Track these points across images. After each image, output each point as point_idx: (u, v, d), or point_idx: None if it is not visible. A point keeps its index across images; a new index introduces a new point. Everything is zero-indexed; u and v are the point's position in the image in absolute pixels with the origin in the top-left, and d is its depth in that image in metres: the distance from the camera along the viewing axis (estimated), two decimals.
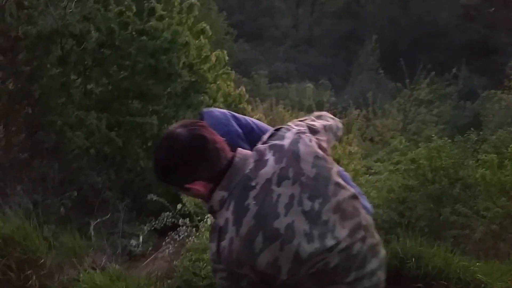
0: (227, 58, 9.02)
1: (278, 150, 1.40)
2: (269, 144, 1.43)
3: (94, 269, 2.44)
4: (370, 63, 25.44)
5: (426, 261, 2.76)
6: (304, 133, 1.48)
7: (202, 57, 8.54)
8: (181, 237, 6.20)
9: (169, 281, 4.94)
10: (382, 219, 7.85)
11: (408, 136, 15.98)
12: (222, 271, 1.31)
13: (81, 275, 2.15)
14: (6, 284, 2.05)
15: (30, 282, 2.05)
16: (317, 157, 1.42)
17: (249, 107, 9.54)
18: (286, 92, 20.39)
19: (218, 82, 8.77)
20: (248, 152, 1.44)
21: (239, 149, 1.45)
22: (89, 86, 8.25)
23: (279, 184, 1.34)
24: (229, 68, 9.37)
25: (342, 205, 1.41)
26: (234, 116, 1.77)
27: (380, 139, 15.65)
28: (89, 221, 6.18)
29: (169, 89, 8.53)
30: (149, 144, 8.62)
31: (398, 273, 2.47)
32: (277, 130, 1.52)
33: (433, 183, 7.41)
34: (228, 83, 9.17)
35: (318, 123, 1.60)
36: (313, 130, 1.52)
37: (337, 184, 1.43)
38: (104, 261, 2.53)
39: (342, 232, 1.37)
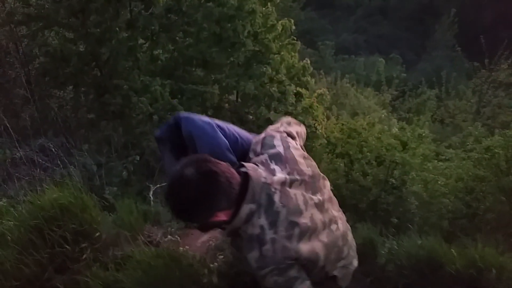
0: (293, 27, 8.66)
1: (277, 158, 1.60)
2: (267, 154, 1.61)
3: (149, 243, 2.40)
4: (447, 39, 23.62)
5: (510, 273, 2.38)
6: (287, 138, 1.71)
7: (268, 25, 8.25)
8: None
9: (221, 256, 4.96)
10: (447, 209, 7.40)
11: (481, 120, 14.88)
12: (271, 271, 1.44)
13: (135, 252, 2.10)
14: (60, 256, 2.05)
15: (84, 255, 2.03)
16: (305, 157, 1.68)
17: (313, 81, 9.17)
18: (353, 65, 19.57)
19: (282, 53, 8.48)
20: (253, 165, 1.56)
21: (246, 164, 1.54)
22: (155, 52, 8.30)
23: (290, 186, 1.55)
24: (295, 38, 9.01)
25: (330, 194, 1.75)
26: (218, 126, 1.75)
27: (451, 122, 14.70)
28: (149, 186, 6.32)
29: (232, 59, 8.40)
30: (209, 113, 8.63)
31: (474, 285, 2.18)
32: (263, 138, 1.70)
33: (508, 175, 6.80)
34: (293, 54, 8.83)
35: (292, 129, 1.82)
36: (291, 136, 1.76)
37: (323, 178, 1.75)
38: (159, 235, 2.47)
39: (336, 216, 1.73)
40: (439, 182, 7.10)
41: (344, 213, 1.96)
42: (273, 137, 1.72)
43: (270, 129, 1.86)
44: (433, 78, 16.39)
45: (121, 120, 6.99)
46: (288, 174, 1.58)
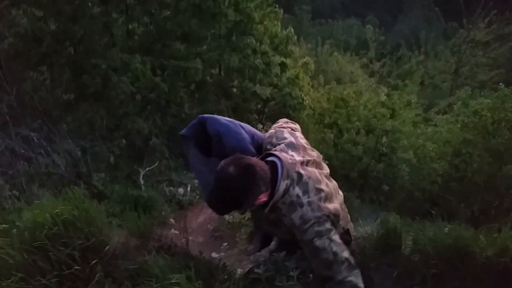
0: None
1: (292, 146, 1.96)
2: (283, 144, 1.97)
3: (160, 248, 2.25)
4: None
5: None
6: (292, 131, 2.08)
7: None
8: None
9: (225, 244, 4.87)
10: (437, 173, 7.48)
11: (460, 80, 15.00)
12: (313, 224, 1.77)
13: (148, 261, 1.94)
14: (70, 278, 1.86)
15: (96, 275, 1.85)
16: (308, 144, 2.05)
17: (297, 49, 8.95)
18: (330, 29, 19.26)
19: (265, 23, 8.20)
20: (278, 152, 1.91)
21: (274, 152, 1.90)
22: (131, 26, 7.90)
23: (307, 165, 1.93)
24: (276, 6, 8.70)
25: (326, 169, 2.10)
26: (240, 124, 2.03)
27: (430, 83, 14.80)
28: (138, 169, 6.13)
29: (213, 30, 8.09)
30: (192, 88, 8.35)
31: (510, 273, 2.09)
32: (275, 132, 2.05)
33: (494, 137, 6.87)
34: (275, 22, 8.55)
35: (292, 126, 2.18)
36: (293, 130, 2.12)
37: (323, 159, 2.14)
38: (170, 239, 2.32)
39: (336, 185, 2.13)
40: (429, 148, 7.13)
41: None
42: (282, 131, 2.05)
43: (276, 126, 2.19)
44: (411, 39, 16.35)
45: (102, 102, 6.67)
46: (303, 157, 1.95)
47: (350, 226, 2.16)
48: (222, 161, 1.79)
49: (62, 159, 5.33)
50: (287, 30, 8.43)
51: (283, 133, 2.02)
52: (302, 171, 1.87)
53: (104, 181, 5.48)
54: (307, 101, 7.99)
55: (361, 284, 1.79)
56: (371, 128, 7.24)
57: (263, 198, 1.79)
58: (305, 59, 8.83)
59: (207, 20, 7.80)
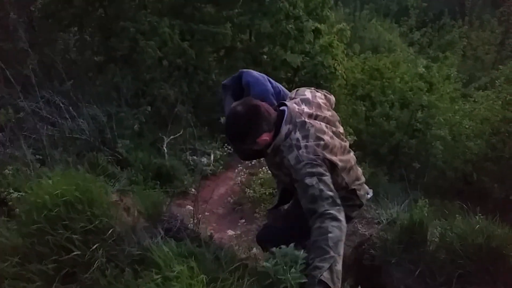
0: None
1: (306, 102, 2.09)
2: (299, 98, 2.10)
3: (168, 231, 2.15)
4: None
5: None
6: (315, 92, 2.18)
7: None
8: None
9: (242, 220, 4.80)
10: (471, 152, 7.10)
11: (505, 52, 14.02)
12: (306, 165, 1.90)
13: (152, 247, 1.84)
14: (69, 263, 1.77)
15: (95, 257, 1.76)
16: (325, 104, 2.15)
17: (333, 15, 8.50)
18: None
19: None
20: (290, 102, 2.06)
21: (286, 102, 2.07)
22: None
23: (316, 118, 2.06)
24: None
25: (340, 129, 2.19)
26: (268, 79, 2.28)
27: (472, 54, 13.90)
28: (163, 137, 6.07)
29: None
30: (221, 54, 8.12)
31: None
32: (297, 90, 2.20)
33: None
34: None
35: (323, 92, 2.26)
36: (322, 96, 2.19)
37: (339, 121, 2.21)
38: (178, 225, 2.21)
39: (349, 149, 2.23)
40: (465, 126, 6.72)
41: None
42: (304, 89, 2.22)
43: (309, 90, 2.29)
44: (456, 7, 15.33)
45: (129, 66, 6.58)
46: (314, 111, 2.09)
47: (360, 188, 2.21)
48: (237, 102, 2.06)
49: (87, 125, 5.32)
50: None
51: (304, 91, 2.21)
52: (307, 119, 2.04)
53: (128, 148, 5.46)
54: (340, 71, 7.63)
55: (341, 218, 1.85)
56: (406, 102, 6.86)
57: (265, 137, 1.99)
58: (341, 25, 8.37)
59: None
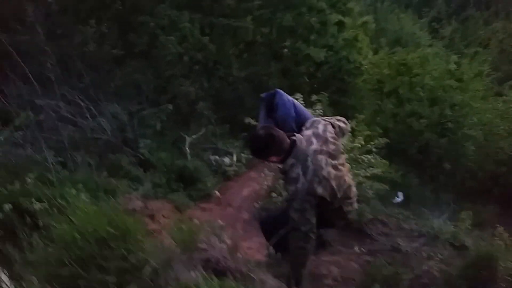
0: None
1: (317, 136, 2.58)
2: (311, 131, 2.61)
3: (207, 263, 1.94)
4: None
5: None
6: (328, 125, 2.67)
7: None
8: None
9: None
10: (504, 153, 6.81)
11: None
12: (296, 201, 2.46)
13: (192, 285, 1.64)
14: None
15: None
16: (334, 138, 2.62)
17: (357, 7, 8.19)
18: None
19: None
20: (301, 136, 2.57)
21: (297, 134, 2.58)
22: None
23: (320, 153, 2.53)
24: None
25: (344, 161, 2.69)
26: (294, 104, 2.87)
27: (496, 46, 13.40)
28: (184, 136, 5.89)
29: None
30: (240, 47, 7.84)
31: None
32: (313, 121, 2.69)
33: None
34: None
35: (337, 123, 2.77)
36: (333, 126, 2.71)
37: (341, 153, 2.68)
38: (216, 254, 2.00)
39: (344, 175, 2.65)
40: (498, 125, 6.41)
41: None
42: (319, 122, 2.69)
43: (322, 118, 2.85)
44: None
45: (149, 62, 6.38)
46: (320, 146, 2.56)
47: (348, 205, 2.71)
48: (263, 125, 2.81)
49: (108, 124, 5.14)
50: None
51: (318, 124, 2.69)
52: (309, 157, 2.52)
53: (150, 148, 5.29)
54: (365, 66, 7.34)
55: (306, 246, 2.53)
56: (436, 99, 6.55)
57: (274, 159, 2.62)
58: (364, 18, 8.07)
59: None
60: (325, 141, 2.58)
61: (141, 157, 5.15)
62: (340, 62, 7.48)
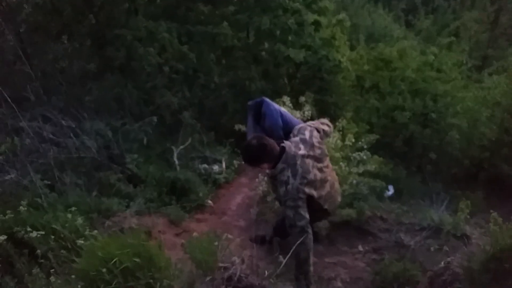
0: None
1: (304, 141, 2.97)
2: (299, 137, 3.01)
3: (229, 281, 1.89)
4: None
5: None
6: (314, 131, 3.07)
7: None
8: None
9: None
10: (488, 139, 6.94)
11: (499, 30, 13.89)
12: (288, 199, 2.85)
13: None
14: None
15: None
16: (319, 142, 3.05)
17: (332, 5, 8.22)
18: None
19: None
20: (289, 143, 2.95)
21: (286, 142, 2.96)
22: None
23: (307, 158, 2.92)
24: None
25: (328, 163, 3.15)
26: (281, 113, 3.21)
27: (465, 34, 13.73)
28: (171, 147, 5.79)
29: None
30: (218, 53, 7.76)
31: None
32: (300, 128, 3.09)
33: None
34: None
35: (321, 126, 3.20)
36: (317, 130, 3.11)
37: (326, 155, 3.11)
38: (237, 272, 1.93)
39: (327, 176, 3.11)
40: (481, 112, 6.55)
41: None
42: (306, 128, 3.07)
43: (307, 124, 3.21)
44: None
45: (128, 75, 6.26)
46: (307, 151, 2.93)
47: (326, 204, 3.07)
48: (253, 134, 3.10)
49: (92, 141, 5.01)
50: None
51: (305, 130, 3.06)
52: (298, 161, 2.87)
53: (137, 162, 5.17)
54: (345, 63, 7.38)
55: (305, 240, 2.82)
56: (418, 91, 6.64)
57: (266, 166, 2.95)
58: (340, 16, 8.11)
59: None
60: (312, 146, 2.97)
61: (129, 172, 5.03)
62: (320, 61, 7.49)
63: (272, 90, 7.68)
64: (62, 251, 2.77)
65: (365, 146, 4.67)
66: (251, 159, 2.96)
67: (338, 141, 4.61)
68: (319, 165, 2.97)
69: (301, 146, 2.93)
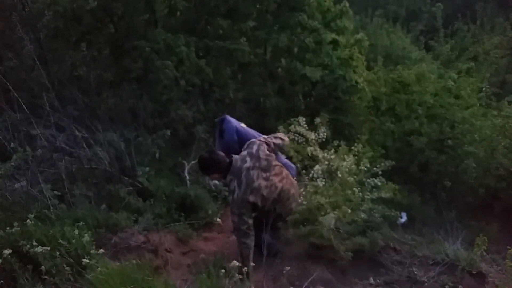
0: None
1: (251, 155, 3.61)
2: (247, 152, 3.65)
3: None
4: None
5: None
6: (262, 144, 3.69)
7: None
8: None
9: None
10: (505, 169, 6.79)
11: None
12: (235, 208, 3.56)
13: None
14: None
15: None
16: (266, 154, 3.65)
17: (351, 25, 8.19)
18: None
19: None
20: (237, 156, 3.62)
21: (234, 156, 3.64)
22: (173, 1, 7.33)
23: (253, 169, 3.54)
24: None
25: (277, 171, 3.72)
26: (237, 129, 3.99)
27: (484, 59, 13.56)
28: (183, 162, 5.76)
29: (259, 6, 7.44)
30: (235, 68, 7.72)
31: None
32: (249, 143, 3.73)
33: None
34: None
35: (274, 140, 3.83)
36: (267, 144, 3.74)
37: (275, 165, 3.71)
38: None
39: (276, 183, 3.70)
40: (499, 141, 6.40)
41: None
42: (254, 143, 3.70)
43: (258, 138, 3.84)
44: (467, 11, 15.00)
45: (143, 86, 6.27)
46: (253, 163, 3.54)
47: (280, 208, 3.72)
48: (209, 148, 4.16)
49: (105, 153, 4.99)
50: (342, 3, 7.66)
51: (253, 144, 3.67)
52: (243, 173, 3.48)
53: (148, 175, 5.14)
54: (362, 84, 7.30)
55: (246, 241, 3.52)
56: (435, 116, 6.53)
57: (216, 176, 3.72)
58: (358, 36, 8.05)
59: None
60: (258, 158, 3.57)
61: (140, 185, 5.00)
62: (337, 81, 7.42)
63: (287, 107, 7.65)
64: (66, 267, 2.73)
65: (380, 172, 4.58)
66: (203, 170, 3.80)
67: (353, 166, 4.53)
68: (265, 174, 3.55)
69: (247, 159, 3.56)
